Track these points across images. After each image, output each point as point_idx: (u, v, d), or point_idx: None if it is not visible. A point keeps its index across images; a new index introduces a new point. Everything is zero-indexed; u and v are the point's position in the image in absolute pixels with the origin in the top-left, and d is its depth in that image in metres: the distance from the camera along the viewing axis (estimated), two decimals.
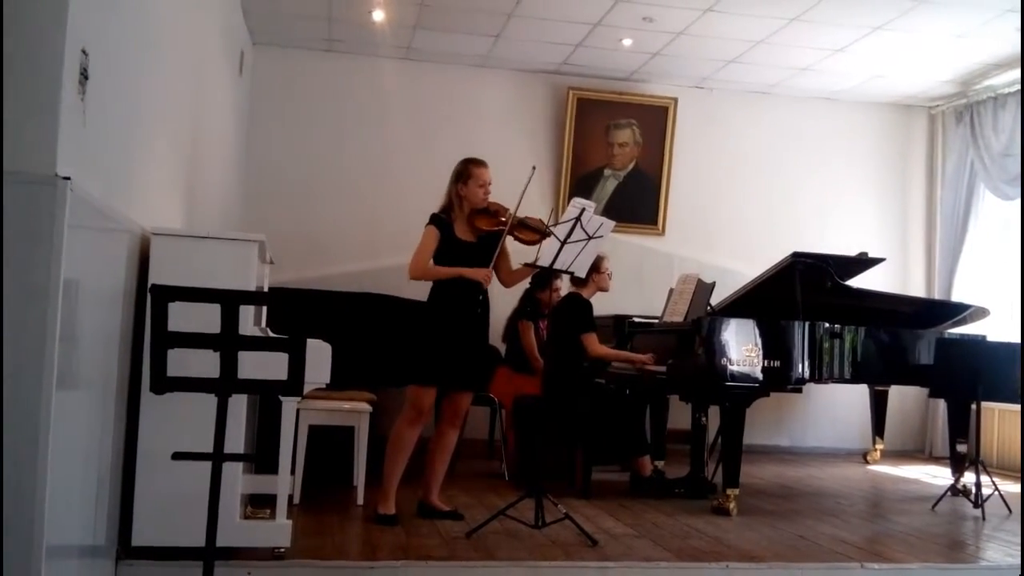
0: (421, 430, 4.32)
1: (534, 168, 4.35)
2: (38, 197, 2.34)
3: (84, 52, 2.55)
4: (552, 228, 4.26)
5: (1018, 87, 7.06)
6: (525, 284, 5.66)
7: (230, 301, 2.48)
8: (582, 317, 5.34)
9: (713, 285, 5.34)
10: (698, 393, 5.43)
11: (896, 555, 4.08)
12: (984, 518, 5.00)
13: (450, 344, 4.23)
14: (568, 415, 5.20)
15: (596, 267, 5.21)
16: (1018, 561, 4.06)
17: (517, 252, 4.47)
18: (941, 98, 7.95)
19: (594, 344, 5.35)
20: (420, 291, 4.41)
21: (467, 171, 4.33)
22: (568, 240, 4.16)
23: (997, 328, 6.44)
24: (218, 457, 2.50)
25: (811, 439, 7.84)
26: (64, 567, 2.66)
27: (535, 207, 4.53)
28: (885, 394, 7.18)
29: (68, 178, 2.38)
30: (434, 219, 4.32)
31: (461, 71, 7.52)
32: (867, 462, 7.20)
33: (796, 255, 5.20)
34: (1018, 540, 4.48)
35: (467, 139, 6.95)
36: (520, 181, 4.25)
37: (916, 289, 8.00)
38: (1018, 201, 6.98)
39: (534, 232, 4.34)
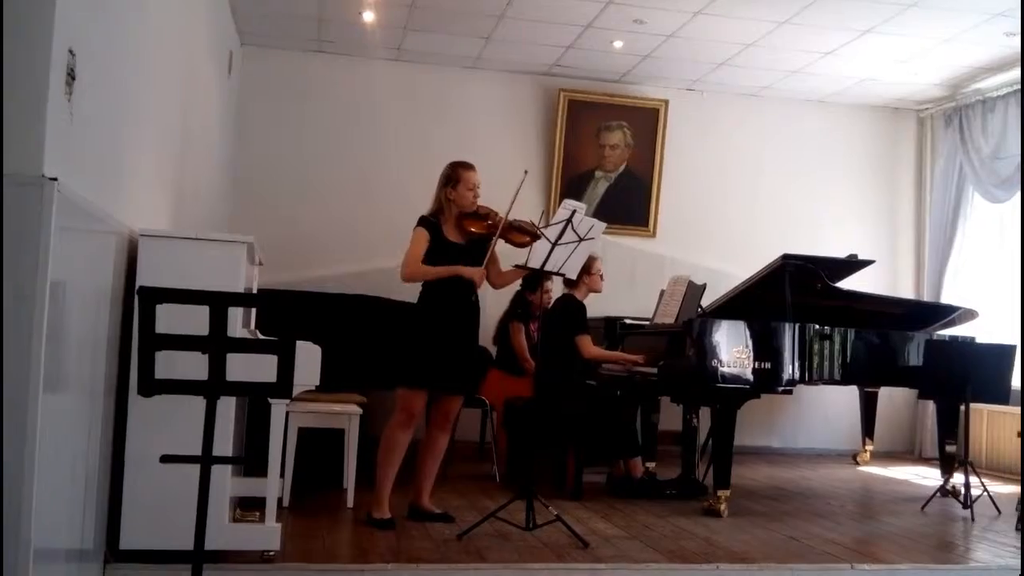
0: (413, 433, 4.29)
1: (526, 172, 4.24)
2: (25, 198, 2.33)
3: (71, 52, 2.54)
4: (543, 230, 4.24)
5: (1007, 91, 7.10)
6: (516, 285, 5.64)
7: (219, 303, 2.47)
8: (576, 319, 5.34)
9: (704, 287, 5.34)
10: (689, 394, 5.44)
11: (886, 556, 4.09)
12: (973, 519, 5.02)
13: (440, 346, 4.20)
14: (559, 417, 5.19)
15: (587, 268, 5.22)
16: (1008, 562, 4.07)
17: (507, 254, 4.44)
18: (930, 101, 7.98)
19: (588, 346, 5.35)
20: (410, 293, 4.39)
21: (456, 175, 4.29)
22: (559, 242, 4.16)
23: (987, 330, 6.46)
24: (207, 460, 2.49)
25: (801, 440, 7.85)
26: (51, 570, 2.64)
27: (525, 209, 4.45)
28: (875, 395, 7.19)
29: (55, 179, 2.37)
30: (423, 221, 4.28)
31: (452, 72, 7.51)
32: (857, 463, 7.21)
33: (786, 257, 5.20)
34: (1007, 540, 4.51)
35: (458, 140, 6.95)
36: (510, 182, 4.21)
37: (905, 291, 8.02)
38: (1008, 204, 7.02)
39: (525, 234, 4.28)
